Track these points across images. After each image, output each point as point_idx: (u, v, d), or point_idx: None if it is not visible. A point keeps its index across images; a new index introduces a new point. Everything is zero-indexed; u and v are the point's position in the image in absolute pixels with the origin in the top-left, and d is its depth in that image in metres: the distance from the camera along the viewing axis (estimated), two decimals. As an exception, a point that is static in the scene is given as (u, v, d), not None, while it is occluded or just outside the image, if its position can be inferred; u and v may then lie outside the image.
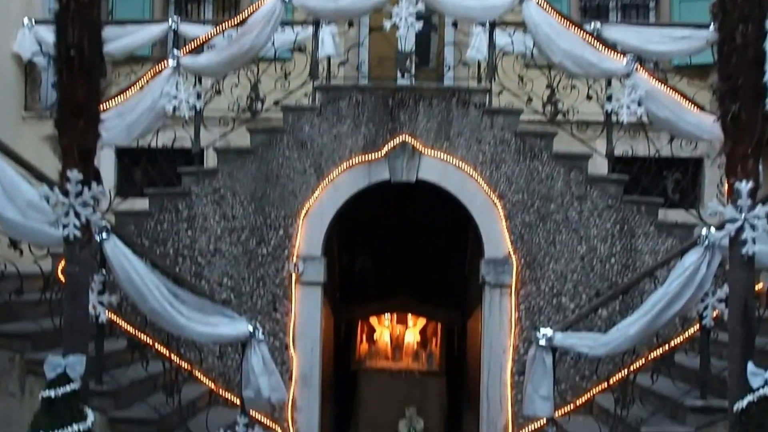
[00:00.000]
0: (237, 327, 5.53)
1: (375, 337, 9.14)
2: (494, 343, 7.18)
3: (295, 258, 7.22)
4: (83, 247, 4.53)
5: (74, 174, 4.39)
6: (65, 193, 4.42)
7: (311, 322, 7.25)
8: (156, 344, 6.15)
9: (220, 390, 6.98)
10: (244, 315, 6.79)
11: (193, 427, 5.83)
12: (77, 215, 4.42)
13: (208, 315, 5.55)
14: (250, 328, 5.49)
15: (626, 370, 5.83)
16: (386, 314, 9.16)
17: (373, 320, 9.14)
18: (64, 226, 4.45)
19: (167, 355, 5.91)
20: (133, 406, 5.86)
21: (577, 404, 6.78)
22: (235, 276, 7.28)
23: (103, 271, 5.60)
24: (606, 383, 6.16)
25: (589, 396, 6.85)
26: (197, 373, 6.74)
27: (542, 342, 5.49)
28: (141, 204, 7.66)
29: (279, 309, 7.24)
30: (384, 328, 9.16)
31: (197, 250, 7.30)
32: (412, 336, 9.10)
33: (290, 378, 7.18)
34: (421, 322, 9.15)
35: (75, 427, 4.21)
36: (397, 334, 9.16)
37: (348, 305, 8.64)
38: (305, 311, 7.23)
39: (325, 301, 7.53)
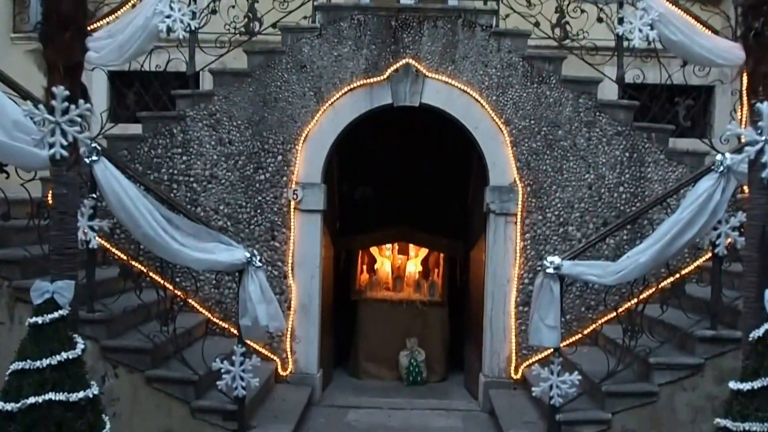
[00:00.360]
0: (233, 254, 5.37)
1: (376, 268, 8.98)
2: (498, 273, 7.05)
3: (293, 185, 7.04)
4: (70, 167, 4.34)
5: (60, 90, 4.19)
6: (51, 111, 4.22)
7: (310, 251, 7.10)
8: (150, 272, 6.03)
9: (217, 319, 6.90)
10: (242, 243, 6.66)
11: (189, 357, 5.71)
12: (63, 134, 4.24)
13: (203, 241, 5.39)
14: (247, 255, 5.35)
15: (635, 300, 5.68)
16: (387, 244, 8.98)
17: (374, 250, 8.97)
18: (50, 146, 4.25)
19: (161, 283, 5.77)
20: (127, 335, 5.76)
21: (583, 335, 6.69)
22: (231, 203, 7.10)
23: (94, 195, 5.42)
24: (614, 313, 6.04)
25: (595, 326, 6.77)
26: (193, 303, 6.66)
27: (550, 270, 5.34)
28: (134, 129, 7.45)
29: (277, 237, 7.09)
30: (385, 258, 9.00)
31: (192, 176, 7.11)
32: (413, 266, 8.94)
33: (289, 308, 7.07)
34: (423, 252, 8.98)
35: (64, 355, 4.06)
36: (398, 264, 9.00)
37: (348, 235, 8.45)
38: (304, 239, 7.08)
39: (325, 230, 7.37)
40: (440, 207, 8.76)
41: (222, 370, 5.49)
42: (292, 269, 7.09)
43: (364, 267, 9.03)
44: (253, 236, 7.08)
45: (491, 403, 6.87)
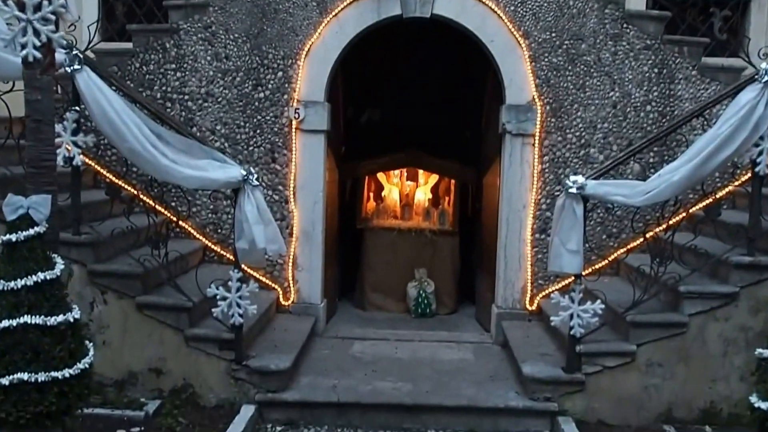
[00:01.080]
0: (228, 171, 4.98)
1: (383, 195, 8.58)
2: (514, 198, 6.65)
3: (295, 103, 6.60)
4: (44, 70, 3.96)
5: (31, -16, 3.77)
6: (21, 8, 3.80)
7: (313, 174, 6.70)
8: (140, 193, 5.65)
9: (214, 246, 6.56)
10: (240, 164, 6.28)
11: (183, 284, 5.38)
12: (36, 33, 3.83)
13: (195, 158, 5.01)
14: (243, 173, 4.96)
15: (664, 225, 5.29)
16: (395, 170, 8.57)
17: (381, 177, 8.55)
18: (22, 47, 3.84)
19: (151, 204, 5.39)
20: (116, 260, 5.42)
21: (608, 261, 6.34)
22: (229, 123, 6.68)
23: (77, 107, 5.01)
24: (640, 239, 5.66)
25: (618, 254, 6.42)
26: (187, 227, 6.32)
27: (572, 190, 4.94)
28: (125, 44, 6.98)
29: (278, 159, 6.68)
30: (393, 185, 8.59)
31: (187, 95, 6.68)
32: (423, 194, 8.54)
33: (291, 234, 6.72)
34: (433, 179, 8.56)
35: (40, 275, 3.72)
36: (406, 191, 8.59)
37: (354, 161, 8.04)
38: (307, 162, 6.68)
39: (329, 153, 6.96)
40: (452, 131, 8.33)
41: (217, 297, 5.15)
42: (293, 194, 6.70)
43: (371, 194, 8.63)
44: (253, 158, 6.68)
45: (504, 336, 6.55)
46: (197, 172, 4.88)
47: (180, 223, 5.97)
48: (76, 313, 3.90)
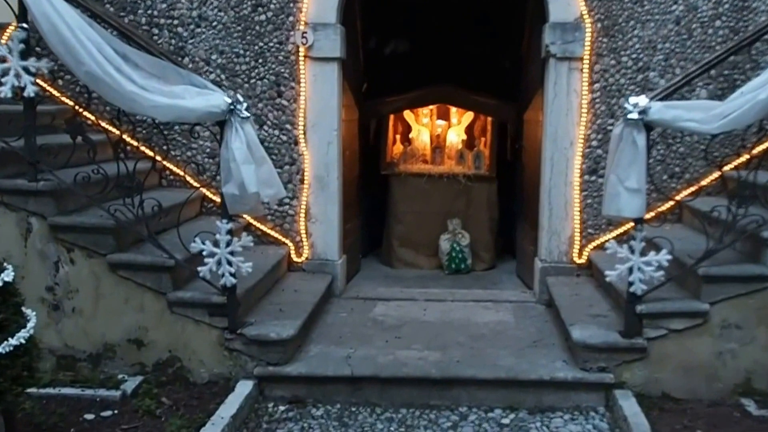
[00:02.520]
0: (209, 99, 4.14)
1: (411, 137, 7.68)
2: (559, 134, 5.71)
3: (302, 25, 5.71)
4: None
5: None
6: None
7: (326, 110, 5.83)
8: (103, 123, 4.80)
9: (213, 195, 5.75)
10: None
11: (171, 240, 4.56)
12: None
13: (170, 83, 4.14)
14: (228, 100, 4.10)
15: (746, 156, 4.34)
16: (424, 108, 7.65)
17: (409, 117, 7.65)
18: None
19: (123, 142, 4.54)
20: (85, 212, 4.61)
21: (674, 201, 5.42)
22: (226, 51, 5.82)
23: (25, 24, 4.19)
24: (717, 171, 4.71)
25: (689, 191, 5.51)
26: (172, 167, 5.52)
27: (633, 115, 4.01)
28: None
29: (284, 93, 5.82)
30: (422, 126, 7.69)
31: (177, 19, 5.82)
32: (455, 135, 7.63)
33: (302, 181, 5.90)
34: (468, 118, 7.63)
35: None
36: (437, 133, 7.69)
37: (377, 99, 7.14)
38: (318, 95, 5.80)
39: (345, 86, 6.08)
40: (489, 61, 7.35)
41: (204, 253, 4.34)
42: (304, 133, 5.85)
43: (398, 137, 7.73)
44: (255, 93, 5.83)
45: (549, 294, 5.68)
46: (171, 101, 4.03)
47: (165, 164, 5.16)
48: (6, 275, 3.13)
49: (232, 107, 4.09)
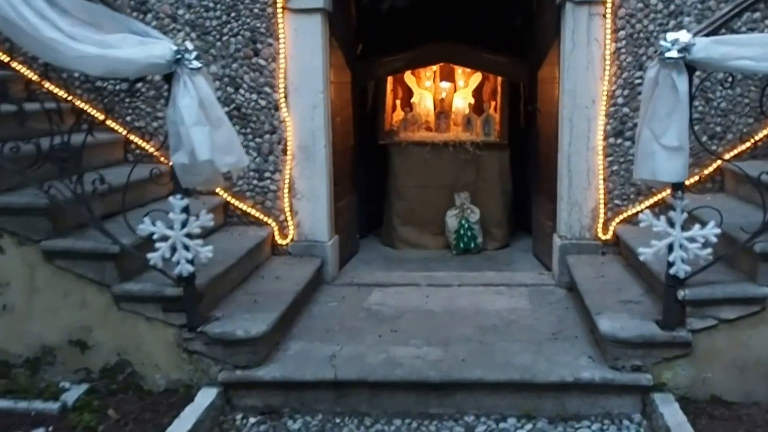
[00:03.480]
0: (151, 49, 3.37)
1: (412, 102, 6.88)
2: (579, 92, 4.92)
3: (277, -29, 4.93)
4: None
5: None
6: None
7: (310, 70, 5.06)
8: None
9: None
10: (215, 62, 4.74)
11: (120, 222, 3.80)
12: None
13: (105, 32, 3.38)
14: (173, 48, 3.33)
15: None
16: (426, 69, 6.85)
17: (410, 80, 6.85)
18: None
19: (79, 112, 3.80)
20: (17, 192, 3.86)
21: (712, 169, 4.62)
22: (194, 4, 5.07)
23: None
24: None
25: (737, 151, 4.73)
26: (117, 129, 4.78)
27: (672, 53, 3.19)
28: None
29: (262, 52, 5.06)
30: (424, 90, 6.88)
31: (136, -32, 5.05)
32: (462, 100, 6.82)
33: (284, 151, 5.14)
34: (475, 80, 6.81)
35: None
36: (441, 97, 6.89)
37: (373, 60, 6.34)
38: (300, 53, 5.04)
39: (334, 44, 5.31)
40: (497, 15, 6.51)
41: (155, 237, 3.60)
42: (285, 97, 5.08)
43: (398, 102, 6.92)
44: (229, 52, 5.06)
45: (570, 275, 4.91)
46: (102, 51, 3.26)
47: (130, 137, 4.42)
48: None
49: (179, 57, 3.33)
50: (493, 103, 6.68)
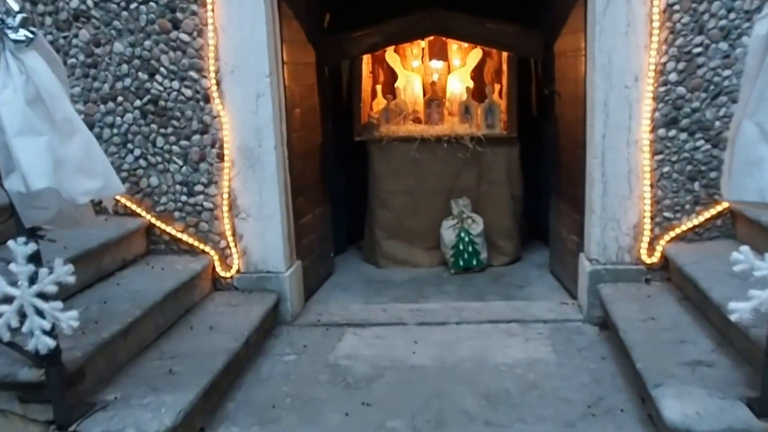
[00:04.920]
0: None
1: (396, 88, 5.64)
2: (616, 65, 3.71)
3: None
4: None
5: None
6: None
7: (251, 46, 3.88)
8: None
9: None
10: (117, 39, 3.55)
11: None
12: None
13: None
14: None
15: None
16: (413, 48, 5.60)
17: (393, 59, 5.61)
18: None
19: None
20: None
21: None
22: (89, -40, 3.84)
23: None
24: None
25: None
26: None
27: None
28: None
29: (183, 23, 3.92)
30: (411, 72, 5.64)
31: None
32: (459, 83, 5.57)
33: (220, 157, 3.92)
34: (475, 57, 5.54)
35: None
36: (433, 80, 5.64)
37: (345, 34, 5.09)
38: (237, 23, 3.88)
39: (288, 13, 4.18)
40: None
41: (-10, 299, 2.40)
42: (217, 84, 3.88)
43: (378, 88, 5.67)
44: (138, 24, 3.85)
45: (606, 311, 3.74)
46: None
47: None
48: None
49: (-5, 21, 2.12)
50: (497, 87, 5.43)
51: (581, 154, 4.02)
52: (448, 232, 5.17)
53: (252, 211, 4.00)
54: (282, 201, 4.05)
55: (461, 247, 5.11)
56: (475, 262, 5.13)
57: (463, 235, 5.11)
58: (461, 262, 5.13)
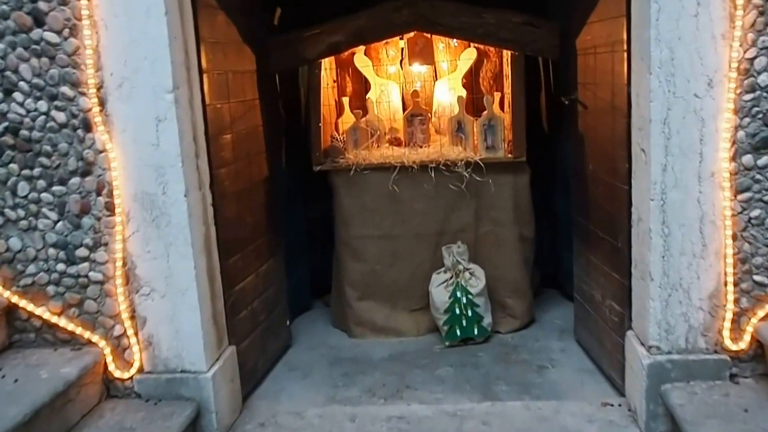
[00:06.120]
0: None
1: (368, 100, 4.45)
2: (679, 65, 2.63)
3: None
4: None
5: None
6: None
7: (147, 49, 2.78)
8: None
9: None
10: None
11: None
12: None
13: None
14: None
15: None
16: (389, 48, 4.43)
17: (363, 64, 4.42)
18: None
19: None
20: None
21: None
22: None
23: None
24: None
25: None
26: None
27: None
28: None
29: (49, 17, 2.76)
30: (386, 80, 4.47)
31: None
32: (448, 92, 4.40)
33: (109, 207, 2.80)
34: (468, 58, 4.36)
35: None
36: (415, 88, 4.46)
37: (298, 32, 3.93)
38: (126, 16, 2.74)
39: (210, 1, 3.01)
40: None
41: None
42: (101, 105, 2.74)
43: (345, 101, 4.50)
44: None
45: (677, 424, 2.59)
46: None
47: None
48: None
49: None
50: (497, 96, 4.31)
51: (623, 191, 2.92)
52: (440, 292, 4.03)
53: (157, 284, 2.85)
54: (202, 266, 2.91)
55: (457, 311, 3.97)
56: (476, 331, 4.00)
57: (459, 294, 3.98)
58: (458, 332, 4.00)
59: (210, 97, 3.04)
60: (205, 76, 3.00)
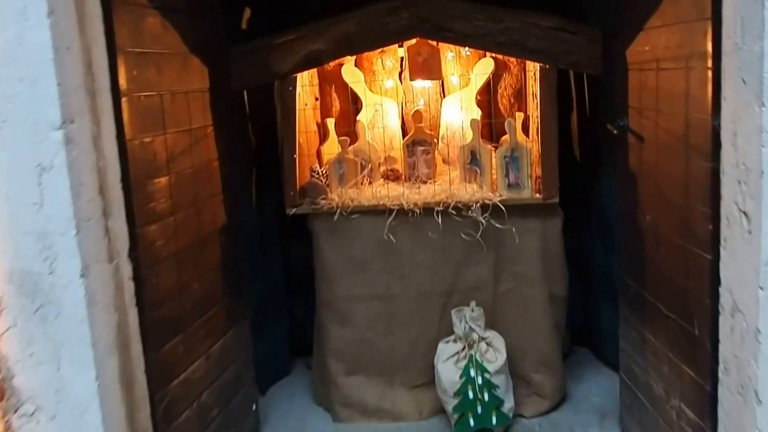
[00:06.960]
0: None
1: (358, 123, 3.58)
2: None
3: None
4: None
5: None
6: None
7: (21, 65, 1.89)
8: None
9: None
10: None
11: None
12: None
13: None
14: None
15: None
16: (386, 59, 3.57)
17: (353, 78, 3.56)
18: None
19: None
20: None
21: None
22: None
23: None
24: None
25: None
26: None
27: None
28: None
29: None
30: (379, 97, 3.61)
31: None
32: (458, 112, 3.55)
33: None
34: (483, 71, 3.52)
35: None
36: (417, 108, 3.60)
37: (269, 40, 3.12)
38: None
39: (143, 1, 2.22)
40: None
41: None
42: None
43: (329, 123, 3.66)
44: None
45: None
46: None
47: None
48: None
49: None
50: (519, 117, 3.48)
51: (704, 261, 2.12)
52: (449, 368, 3.22)
53: (44, 400, 2.04)
54: (110, 372, 2.10)
55: (471, 394, 3.16)
56: (494, 420, 3.18)
57: (473, 373, 3.15)
58: (471, 422, 3.18)
59: (132, 129, 2.24)
60: (123, 100, 2.20)
